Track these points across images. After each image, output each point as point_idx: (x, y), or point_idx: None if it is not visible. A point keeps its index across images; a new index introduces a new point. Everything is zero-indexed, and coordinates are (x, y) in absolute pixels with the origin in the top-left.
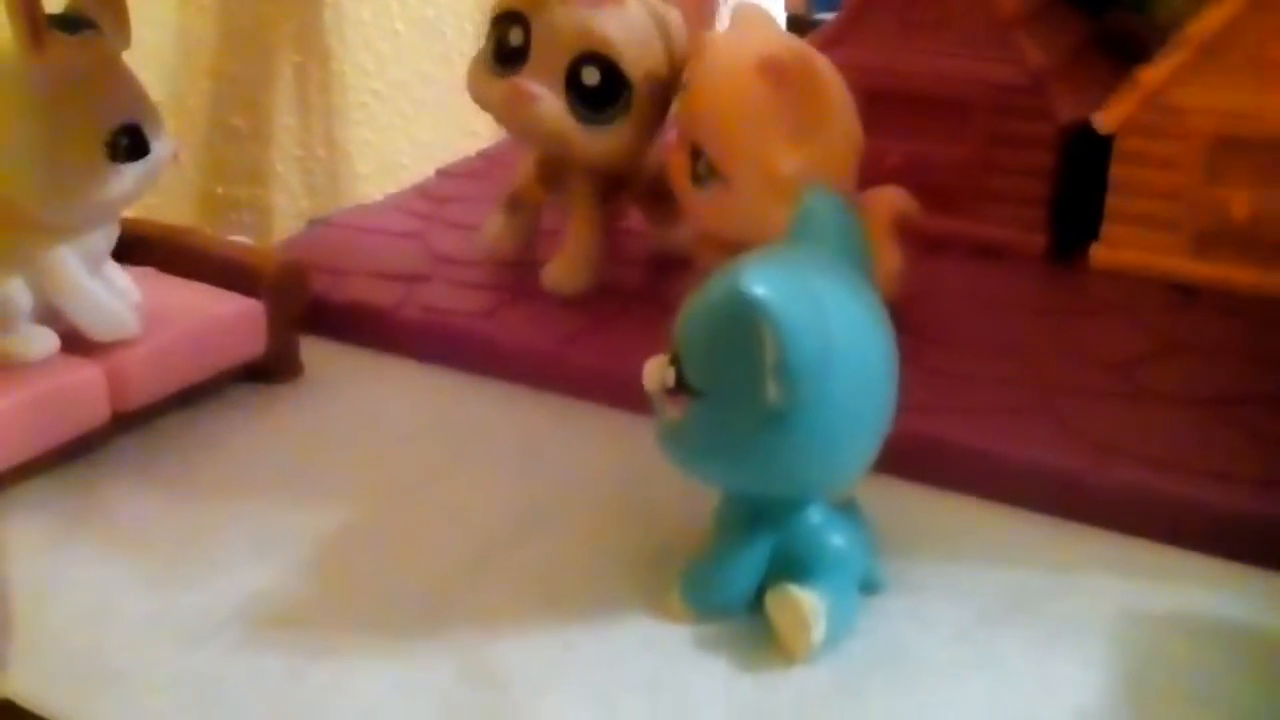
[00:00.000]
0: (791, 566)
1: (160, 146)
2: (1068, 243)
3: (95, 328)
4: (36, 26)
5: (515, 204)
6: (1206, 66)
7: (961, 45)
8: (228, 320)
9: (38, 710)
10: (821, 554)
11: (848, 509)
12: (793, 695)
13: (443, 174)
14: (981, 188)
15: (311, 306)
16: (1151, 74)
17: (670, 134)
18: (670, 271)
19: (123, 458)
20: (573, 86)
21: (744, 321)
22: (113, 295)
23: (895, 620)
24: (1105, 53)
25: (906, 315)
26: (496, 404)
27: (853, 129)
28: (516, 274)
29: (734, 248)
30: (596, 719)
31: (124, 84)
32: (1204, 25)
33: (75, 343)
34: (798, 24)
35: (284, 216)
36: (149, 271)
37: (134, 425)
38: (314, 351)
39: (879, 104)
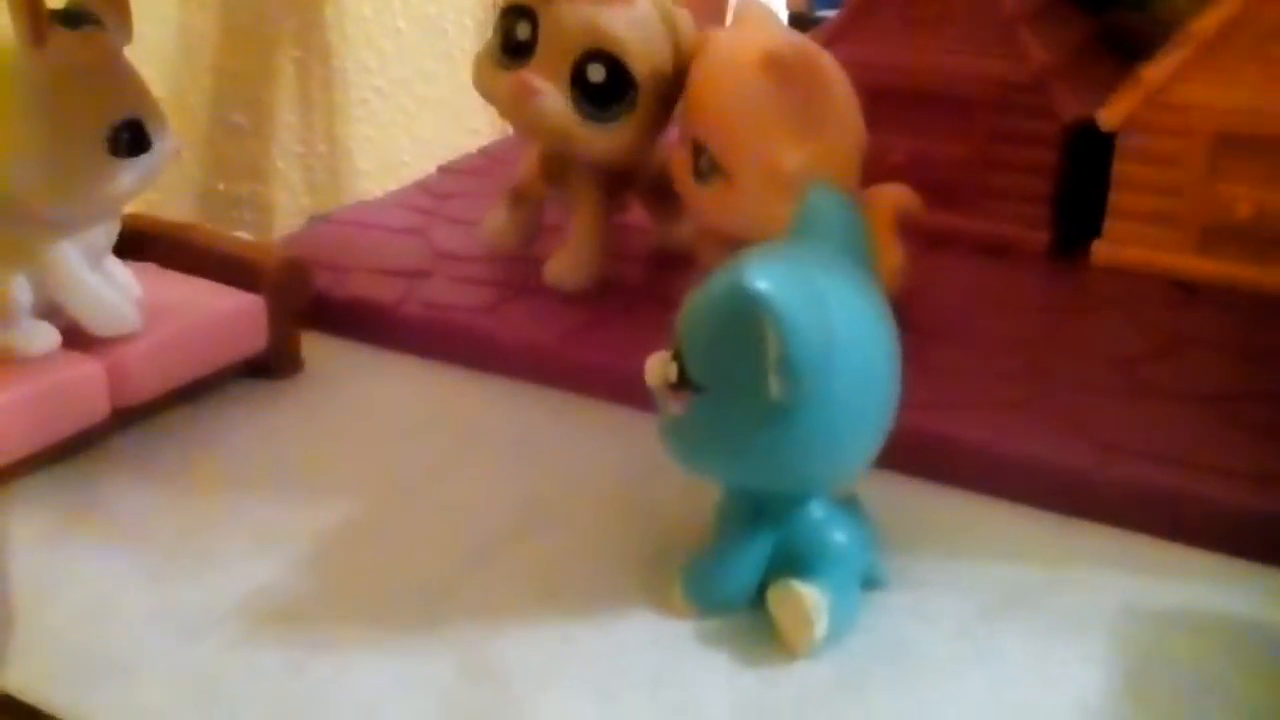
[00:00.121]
0: (793, 562)
1: (162, 142)
2: (1070, 239)
3: (96, 323)
4: (38, 21)
5: (518, 199)
6: (1209, 63)
7: (964, 42)
8: (229, 316)
9: (38, 704)
10: (823, 549)
11: (849, 505)
12: (794, 690)
13: (444, 170)
14: (984, 185)
15: (313, 302)
16: (1154, 71)
17: (674, 131)
18: (672, 268)
19: (123, 453)
20: (578, 83)
21: (747, 316)
22: (114, 290)
23: (897, 615)
24: (1107, 50)
25: (909, 312)
26: (498, 400)
27: (856, 125)
28: (518, 270)
29: (736, 244)
30: (598, 714)
31: (125, 79)
32: (1206, 22)
33: (76, 338)
34: (800, 21)
35: (285, 213)
36: (150, 267)
37: (134, 421)
38: (315, 347)
39: (881, 101)
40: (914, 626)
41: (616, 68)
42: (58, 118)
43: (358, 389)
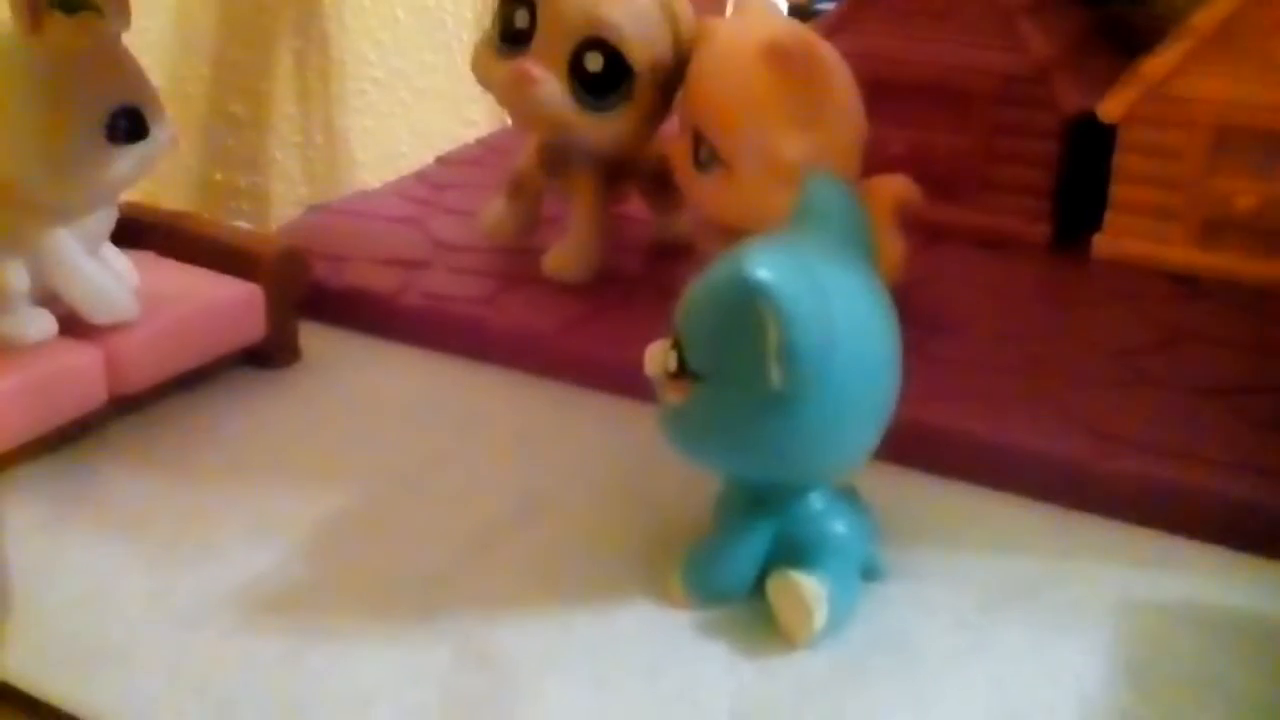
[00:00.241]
0: (793, 552)
1: (160, 130)
2: (1071, 232)
3: (93, 311)
4: (36, 7)
5: (516, 189)
6: (1210, 56)
7: (964, 34)
8: (226, 305)
9: (34, 692)
10: (823, 540)
11: (848, 496)
12: (793, 681)
13: (442, 161)
14: (985, 177)
15: (311, 292)
16: (1154, 64)
17: (673, 121)
18: (672, 258)
19: (120, 441)
20: (576, 72)
21: (747, 305)
22: (111, 278)
23: (896, 607)
24: (1108, 43)
25: (909, 304)
26: (496, 390)
27: (856, 116)
28: (517, 260)
29: (736, 234)
30: (596, 703)
31: (123, 66)
32: (1207, 15)
33: (73, 325)
34: (800, 12)
35: (283, 203)
36: (148, 255)
37: (132, 409)
38: (313, 337)
39: (881, 93)
40: (913, 618)
41: (615, 57)
42: (55, 104)
43: (355, 379)
